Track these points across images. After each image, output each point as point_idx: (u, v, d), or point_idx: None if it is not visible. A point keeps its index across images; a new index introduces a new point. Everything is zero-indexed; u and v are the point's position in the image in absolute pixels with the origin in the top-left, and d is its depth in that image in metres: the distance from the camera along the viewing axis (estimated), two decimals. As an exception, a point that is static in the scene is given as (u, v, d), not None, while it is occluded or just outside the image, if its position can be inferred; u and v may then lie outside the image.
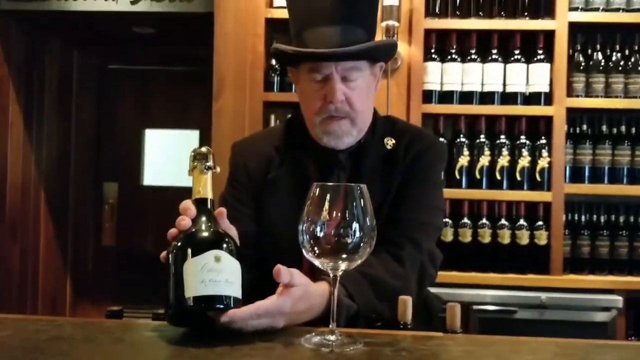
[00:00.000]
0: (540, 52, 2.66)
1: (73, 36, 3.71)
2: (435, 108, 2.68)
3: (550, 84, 2.65)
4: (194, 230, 0.99)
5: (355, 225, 0.88)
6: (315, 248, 0.89)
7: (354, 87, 1.35)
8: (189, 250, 0.95)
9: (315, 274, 1.12)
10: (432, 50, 2.69)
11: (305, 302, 1.03)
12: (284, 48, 1.37)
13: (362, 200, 0.89)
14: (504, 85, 2.68)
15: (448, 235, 2.63)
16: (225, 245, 0.97)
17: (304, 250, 0.89)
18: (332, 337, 0.91)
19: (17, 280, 3.30)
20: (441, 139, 2.66)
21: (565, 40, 2.63)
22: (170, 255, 0.97)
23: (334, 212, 0.88)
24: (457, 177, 2.66)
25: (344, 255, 0.89)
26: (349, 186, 0.90)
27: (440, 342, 0.94)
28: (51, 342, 0.89)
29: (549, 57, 2.66)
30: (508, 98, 2.67)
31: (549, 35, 2.66)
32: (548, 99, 2.66)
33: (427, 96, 2.68)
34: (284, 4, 2.62)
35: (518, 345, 0.91)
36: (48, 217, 3.63)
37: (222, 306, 0.93)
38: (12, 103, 3.22)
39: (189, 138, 4.01)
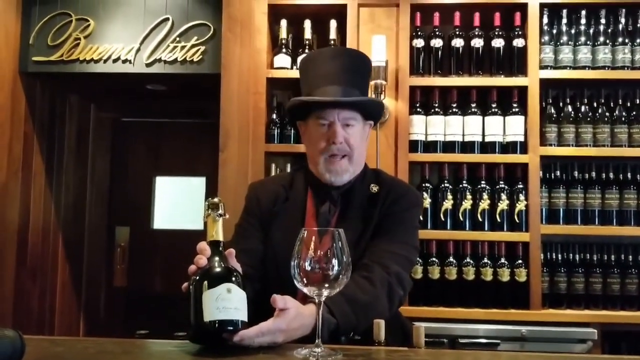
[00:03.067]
0: (515, 105, 2.92)
1: (91, 92, 4.01)
2: (421, 157, 2.94)
3: (525, 134, 2.90)
4: (209, 267, 1.24)
5: (335, 261, 1.14)
6: (304, 279, 1.14)
7: (351, 133, 1.72)
8: (206, 283, 1.20)
9: (307, 298, 1.37)
10: (417, 105, 2.96)
11: (298, 321, 1.28)
12: (300, 98, 1.75)
13: (340, 242, 1.15)
14: (483, 135, 2.93)
15: (435, 273, 2.85)
16: (234, 279, 1.23)
17: (295, 281, 1.15)
18: (318, 350, 1.15)
19: (35, 318, 3.52)
20: (427, 184, 2.93)
21: (538, 94, 2.90)
22: (190, 287, 1.22)
23: (319, 251, 1.14)
24: (442, 219, 2.90)
25: (326, 285, 1.15)
26: (330, 230, 1.16)
27: (405, 354, 1.18)
28: (97, 355, 1.14)
29: (523, 110, 2.92)
30: (487, 147, 2.92)
31: (523, 90, 2.92)
32: (523, 147, 2.90)
33: (413, 146, 2.93)
34: (283, 65, 2.96)
35: (463, 356, 1.15)
36: (65, 259, 3.87)
37: (232, 328, 1.18)
38: (35, 155, 3.50)
39: (196, 185, 4.29)
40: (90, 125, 4.20)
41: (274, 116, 3.02)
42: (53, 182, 3.73)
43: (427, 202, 2.90)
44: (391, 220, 1.69)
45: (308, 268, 1.14)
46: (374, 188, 1.75)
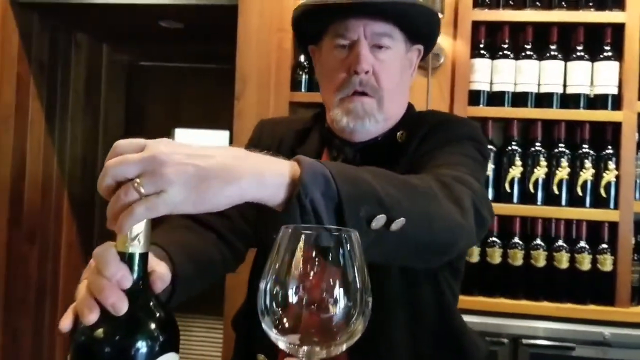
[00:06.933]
0: (607, 48, 2.33)
1: (101, 31, 3.56)
2: (483, 111, 2.38)
3: (619, 86, 2.32)
4: (132, 315, 0.66)
5: (339, 292, 0.60)
6: (284, 320, 0.61)
7: (383, 60, 1.16)
8: (137, 354, 0.65)
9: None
10: (481, 46, 2.39)
11: (198, 147, 0.68)
12: (308, 2, 1.17)
13: (351, 253, 0.61)
14: (564, 86, 2.36)
15: (495, 257, 2.32)
16: (175, 334, 0.69)
17: (264, 324, 0.62)
18: None
19: (35, 285, 3.16)
20: (490, 146, 2.36)
21: (638, 35, 2.30)
22: (81, 342, 0.66)
23: (310, 269, 0.61)
24: (508, 190, 2.35)
25: (323, 332, 0.61)
26: (331, 234, 0.62)
27: None
28: None
29: (618, 55, 2.33)
30: (569, 101, 2.35)
31: (618, 29, 2.33)
32: (616, 102, 2.32)
33: (474, 97, 2.38)
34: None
35: None
36: (71, 220, 3.48)
37: None
38: (32, 100, 3.07)
39: (220, 138, 3.83)
40: (103, 69, 3.74)
41: (302, 59, 2.48)
42: (55, 132, 3.30)
43: (489, 167, 2.35)
44: (426, 158, 1.08)
45: (292, 300, 0.61)
46: (401, 135, 1.18)
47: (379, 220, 0.73)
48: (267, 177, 0.69)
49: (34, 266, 3.15)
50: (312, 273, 0.61)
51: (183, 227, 1.05)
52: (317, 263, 0.61)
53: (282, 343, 0.61)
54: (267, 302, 0.61)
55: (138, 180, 0.64)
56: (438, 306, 1.16)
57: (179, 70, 3.91)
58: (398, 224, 0.75)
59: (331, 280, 0.61)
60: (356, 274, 0.61)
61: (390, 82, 1.16)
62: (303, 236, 0.61)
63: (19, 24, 2.91)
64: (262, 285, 0.62)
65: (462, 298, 2.23)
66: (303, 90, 2.47)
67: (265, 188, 0.69)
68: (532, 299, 2.30)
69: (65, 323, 0.68)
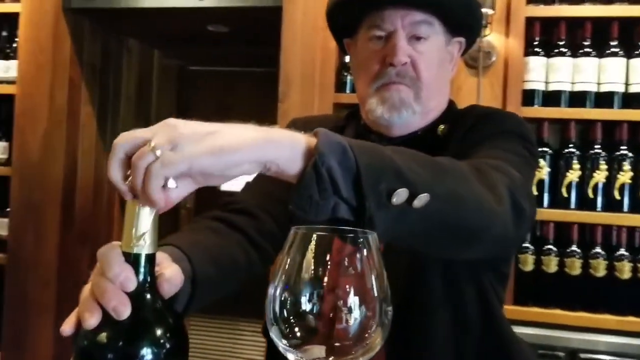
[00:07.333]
0: (674, 43, 2.17)
1: (152, 36, 3.59)
2: (539, 111, 2.25)
3: (688, 83, 2.15)
4: (136, 320, 0.62)
5: (354, 301, 0.54)
6: (295, 329, 0.55)
7: (422, 51, 1.11)
8: None
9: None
10: (535, 43, 2.26)
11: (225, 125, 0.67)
12: None
13: (369, 258, 0.55)
14: (626, 84, 2.21)
15: (551, 266, 2.19)
16: (183, 348, 0.64)
17: (272, 333, 0.56)
18: None
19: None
20: (545, 149, 2.24)
21: None
22: (87, 347, 0.63)
23: (323, 274, 0.55)
24: (565, 195, 2.21)
25: (337, 344, 0.55)
26: (346, 235, 0.56)
27: None
28: None
29: (687, 50, 2.16)
30: (631, 100, 2.20)
31: (688, 22, 2.16)
32: None
33: (529, 97, 2.25)
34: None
35: None
36: (121, 223, 3.50)
37: None
38: (84, 104, 3.12)
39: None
40: (154, 74, 3.78)
41: (347, 59, 2.41)
42: (107, 135, 3.34)
43: (544, 171, 2.22)
44: (470, 152, 1.01)
45: (303, 308, 0.55)
46: (443, 129, 1.13)
47: (401, 195, 0.67)
48: (283, 141, 0.67)
49: (85, 268, 3.19)
50: (325, 279, 0.54)
51: (207, 228, 1.01)
52: (330, 268, 0.55)
53: (291, 355, 0.56)
54: (277, 309, 0.55)
55: (152, 143, 0.60)
56: (482, 310, 1.08)
57: (227, 74, 3.91)
58: (422, 200, 0.69)
59: (347, 287, 0.54)
60: (374, 281, 0.55)
61: (429, 73, 1.10)
62: (315, 237, 0.55)
63: (71, 29, 2.96)
64: (271, 291, 0.56)
65: (516, 308, 2.15)
66: (348, 91, 2.40)
67: (283, 149, 0.66)
68: (590, 311, 2.15)
69: (66, 327, 0.65)
